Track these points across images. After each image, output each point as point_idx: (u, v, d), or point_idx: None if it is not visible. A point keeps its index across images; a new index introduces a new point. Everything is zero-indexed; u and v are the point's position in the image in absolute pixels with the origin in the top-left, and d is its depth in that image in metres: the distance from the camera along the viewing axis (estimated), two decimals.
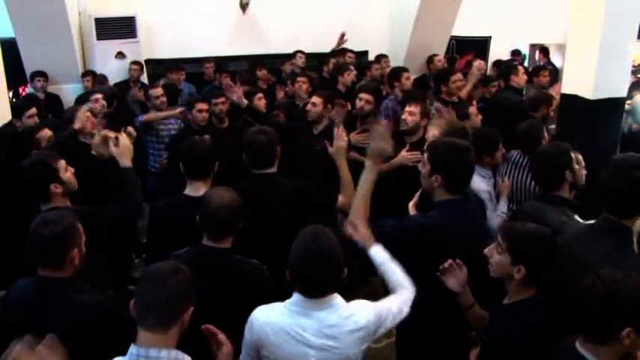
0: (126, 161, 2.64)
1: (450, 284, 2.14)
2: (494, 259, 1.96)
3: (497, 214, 3.18)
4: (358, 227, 2.19)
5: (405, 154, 3.57)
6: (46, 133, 3.23)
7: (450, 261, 2.12)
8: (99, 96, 4.46)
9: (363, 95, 4.19)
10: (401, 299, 2.01)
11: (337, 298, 1.85)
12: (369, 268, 2.20)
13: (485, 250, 2.01)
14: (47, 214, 1.99)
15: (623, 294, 1.53)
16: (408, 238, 2.26)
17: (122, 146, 2.66)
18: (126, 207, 2.65)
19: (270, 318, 1.85)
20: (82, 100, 4.75)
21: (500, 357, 1.90)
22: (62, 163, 2.50)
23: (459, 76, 4.97)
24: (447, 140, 2.43)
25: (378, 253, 2.13)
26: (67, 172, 2.51)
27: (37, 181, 2.43)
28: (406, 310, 2.00)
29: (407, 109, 3.72)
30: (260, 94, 4.67)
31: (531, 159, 2.75)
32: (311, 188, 2.79)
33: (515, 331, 1.87)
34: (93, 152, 2.88)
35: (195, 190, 2.61)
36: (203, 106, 4.22)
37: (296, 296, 1.84)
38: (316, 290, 1.82)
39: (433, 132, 3.14)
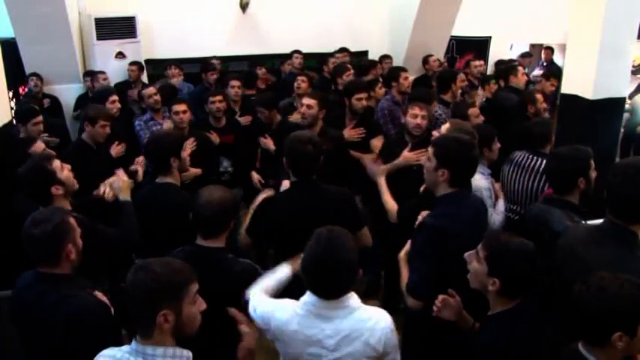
0: (125, 195, 2.73)
1: (445, 316, 2.08)
2: (472, 266, 1.93)
3: (497, 212, 3.20)
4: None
5: (407, 155, 3.48)
6: (40, 146, 3.23)
7: (440, 297, 2.07)
8: (115, 97, 4.48)
9: (361, 95, 4.17)
10: None
11: (352, 298, 1.84)
12: (379, 277, 2.20)
13: (465, 255, 1.97)
14: (37, 213, 1.98)
15: (610, 300, 1.53)
16: (425, 250, 2.27)
17: (121, 184, 2.75)
18: (121, 236, 2.61)
19: (287, 318, 1.84)
20: (99, 99, 4.74)
21: None
22: (57, 163, 2.50)
23: (462, 76, 5.00)
24: (453, 136, 2.46)
25: None
26: (64, 172, 2.50)
27: (37, 186, 2.42)
28: None
29: (416, 112, 3.53)
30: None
31: (547, 158, 2.76)
32: (351, 198, 2.76)
33: (495, 342, 1.85)
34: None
35: (161, 179, 2.87)
36: (179, 107, 4.04)
37: (310, 297, 1.83)
38: (331, 293, 1.80)
39: (436, 134, 3.12)
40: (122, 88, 6.13)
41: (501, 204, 3.29)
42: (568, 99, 4.45)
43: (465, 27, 7.75)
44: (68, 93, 6.25)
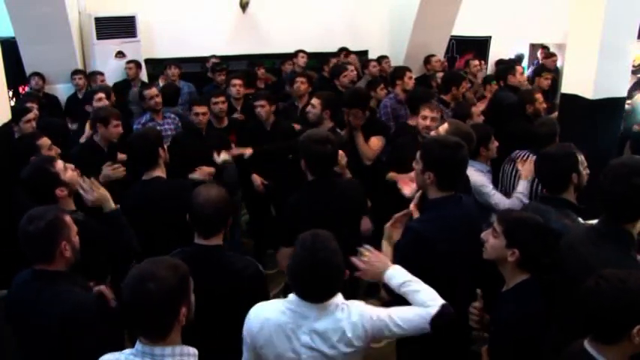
0: (108, 205, 2.49)
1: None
2: (490, 242, 2.04)
3: (514, 195, 3.20)
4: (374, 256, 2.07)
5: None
6: (46, 141, 3.21)
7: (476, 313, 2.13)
8: (102, 95, 4.45)
9: (353, 111, 3.96)
10: (407, 313, 1.87)
11: (336, 299, 1.84)
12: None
13: (482, 235, 2.08)
14: (32, 210, 1.98)
15: (630, 292, 1.52)
16: (408, 254, 2.25)
17: (97, 195, 2.49)
18: (121, 248, 2.53)
19: (268, 315, 1.84)
20: (85, 99, 4.74)
21: (507, 341, 1.92)
22: (60, 164, 2.47)
23: (465, 84, 5.03)
24: (438, 138, 2.42)
25: (396, 275, 1.99)
26: (67, 172, 2.48)
27: (41, 189, 2.39)
28: (410, 326, 1.86)
29: (426, 113, 3.48)
30: (263, 102, 4.32)
31: (537, 160, 2.73)
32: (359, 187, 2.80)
33: (517, 313, 1.92)
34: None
35: (148, 175, 2.89)
36: (200, 109, 4.09)
37: (296, 297, 1.83)
38: (316, 297, 1.80)
39: (433, 134, 3.11)
40: (121, 87, 6.13)
41: (522, 186, 3.21)
42: (568, 99, 4.44)
43: (465, 27, 7.76)
44: (68, 93, 6.25)
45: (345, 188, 2.72)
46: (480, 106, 4.97)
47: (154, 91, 4.63)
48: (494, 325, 2.03)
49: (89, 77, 6.13)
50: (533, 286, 1.98)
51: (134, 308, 1.52)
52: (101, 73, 6.12)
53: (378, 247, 2.24)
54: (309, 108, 3.86)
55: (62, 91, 6.28)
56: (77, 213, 2.41)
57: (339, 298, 1.85)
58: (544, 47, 8.42)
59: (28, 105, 4.21)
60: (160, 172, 2.90)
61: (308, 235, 1.81)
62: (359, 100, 3.97)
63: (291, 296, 1.84)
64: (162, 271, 1.54)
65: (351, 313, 1.84)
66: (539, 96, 4.33)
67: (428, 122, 3.45)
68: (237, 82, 5.05)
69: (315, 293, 1.80)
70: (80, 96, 5.91)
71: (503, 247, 1.98)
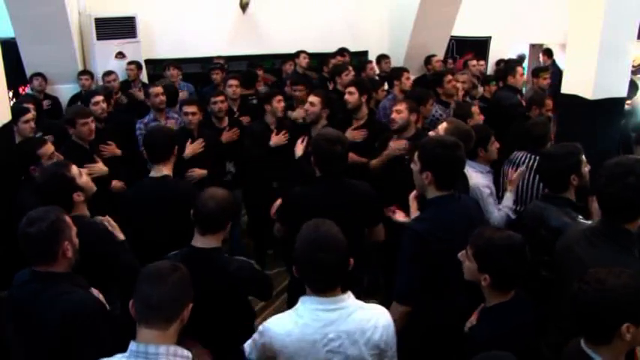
0: (119, 235, 2.53)
1: None
2: (465, 264, 2.00)
3: (499, 208, 3.16)
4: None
5: (391, 146, 3.55)
6: (49, 148, 3.14)
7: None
8: (99, 98, 4.43)
9: (350, 89, 4.16)
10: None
11: (350, 298, 1.83)
12: (379, 276, 2.22)
13: (459, 255, 2.03)
14: (32, 212, 1.98)
15: (611, 291, 1.52)
16: (409, 254, 2.28)
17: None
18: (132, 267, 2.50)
19: (288, 329, 1.79)
20: (83, 101, 4.74)
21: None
22: (74, 169, 2.49)
23: (456, 76, 5.01)
24: (436, 137, 2.44)
25: None
26: (82, 177, 2.49)
27: (58, 195, 2.38)
28: None
29: (394, 108, 3.73)
30: (280, 97, 4.47)
31: (539, 158, 2.75)
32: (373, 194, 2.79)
33: (492, 334, 1.88)
34: None
35: (158, 172, 2.88)
36: (189, 108, 4.05)
37: (306, 302, 1.81)
38: (325, 279, 1.79)
39: (432, 134, 3.11)
40: (123, 88, 6.13)
41: (508, 199, 3.21)
42: (568, 99, 4.44)
43: (465, 27, 7.76)
44: (68, 93, 6.25)
45: (354, 191, 2.68)
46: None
47: (159, 89, 4.60)
48: (474, 339, 1.99)
49: (103, 77, 6.09)
50: (513, 307, 1.92)
51: (154, 294, 1.59)
52: (113, 73, 6.07)
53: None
54: (307, 106, 3.85)
55: (62, 91, 6.28)
56: (94, 219, 2.43)
57: (353, 299, 1.84)
58: (546, 50, 8.43)
59: (25, 105, 4.19)
60: (168, 171, 2.89)
61: (311, 221, 1.86)
62: (356, 80, 4.42)
63: (303, 303, 1.82)
64: (181, 266, 1.68)
65: (380, 317, 1.85)
66: (549, 102, 4.35)
67: (392, 115, 3.70)
68: (233, 82, 5.03)
69: (324, 272, 1.77)
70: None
71: (477, 271, 1.94)
